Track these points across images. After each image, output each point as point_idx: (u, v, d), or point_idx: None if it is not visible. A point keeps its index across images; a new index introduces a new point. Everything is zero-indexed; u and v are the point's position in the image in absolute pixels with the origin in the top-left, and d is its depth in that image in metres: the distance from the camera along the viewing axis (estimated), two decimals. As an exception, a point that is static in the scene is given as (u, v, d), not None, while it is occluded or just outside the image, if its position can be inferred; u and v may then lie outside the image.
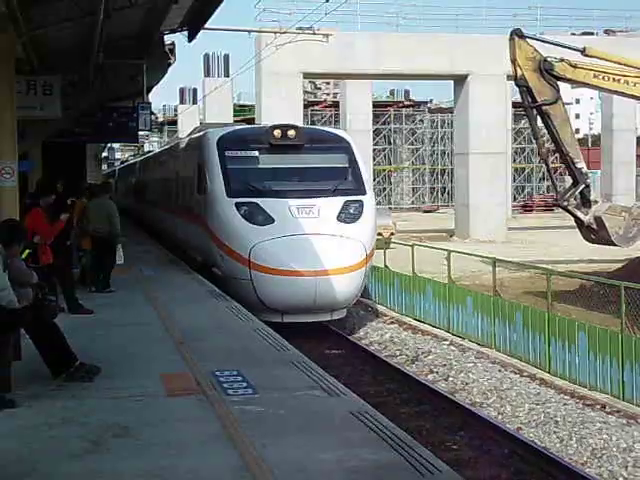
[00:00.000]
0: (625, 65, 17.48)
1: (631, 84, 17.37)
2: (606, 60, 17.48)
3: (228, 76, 53.62)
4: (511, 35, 17.21)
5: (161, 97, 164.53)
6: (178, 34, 16.57)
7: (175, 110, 67.29)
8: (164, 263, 17.54)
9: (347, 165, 15.56)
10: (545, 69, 16.89)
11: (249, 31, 27.57)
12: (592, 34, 37.85)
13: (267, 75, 32.03)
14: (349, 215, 14.43)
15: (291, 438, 5.78)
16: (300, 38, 26.77)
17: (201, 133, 17.66)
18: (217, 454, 5.47)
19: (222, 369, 7.70)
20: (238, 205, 14.28)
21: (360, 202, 14.77)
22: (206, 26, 15.92)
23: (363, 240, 14.17)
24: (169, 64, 19.31)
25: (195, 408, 6.56)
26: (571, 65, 17.15)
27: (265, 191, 14.64)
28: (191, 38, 16.27)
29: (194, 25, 15.60)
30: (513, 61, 17.12)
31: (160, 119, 66.19)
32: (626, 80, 17.32)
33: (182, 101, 64.95)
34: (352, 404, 6.65)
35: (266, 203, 14.23)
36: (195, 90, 63.84)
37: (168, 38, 17.55)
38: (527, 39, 17.30)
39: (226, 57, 59.60)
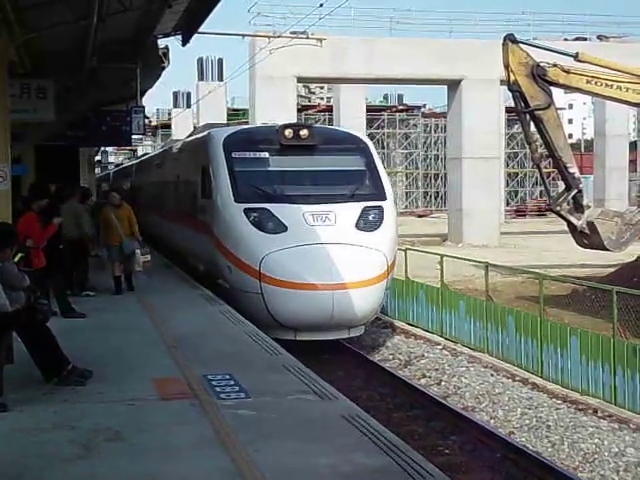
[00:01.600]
0: (618, 71, 17.51)
1: (624, 89, 17.40)
2: (599, 66, 17.51)
3: (222, 80, 53.73)
4: (504, 40, 17.23)
5: (155, 101, 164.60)
6: (172, 38, 16.57)
7: (169, 114, 67.33)
8: (157, 267, 17.51)
9: (365, 168, 14.46)
10: (538, 74, 16.91)
11: (243, 35, 27.60)
12: (585, 40, 37.94)
13: (261, 79, 32.08)
14: (368, 222, 13.31)
15: (283, 442, 5.79)
16: (294, 42, 26.77)
17: (205, 133, 16.39)
18: (209, 458, 5.47)
19: (215, 373, 7.71)
20: (247, 211, 13.16)
21: (380, 208, 13.61)
22: (200, 30, 15.92)
23: (384, 250, 13.05)
24: (163, 68, 19.29)
25: (187, 412, 6.56)
26: (564, 70, 17.18)
27: (276, 196, 13.52)
28: (185, 42, 16.25)
29: (188, 29, 15.59)
30: (506, 66, 17.14)
31: (154, 123, 66.23)
32: (619, 86, 17.35)
33: (176, 105, 65.02)
34: (344, 408, 6.66)
35: (278, 209, 13.11)
36: (189, 94, 63.99)
37: (162, 42, 17.54)
38: (520, 44, 17.32)
39: (220, 61, 59.78)
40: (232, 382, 7.42)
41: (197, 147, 16.54)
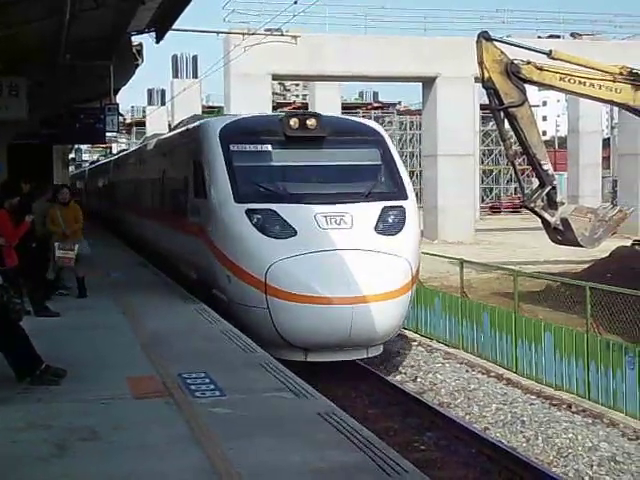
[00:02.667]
0: (591, 68, 17.66)
1: (596, 87, 17.56)
2: (572, 63, 17.65)
3: (197, 77, 53.57)
4: (478, 38, 17.33)
5: (129, 98, 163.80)
6: (146, 35, 16.51)
7: (143, 111, 67.07)
8: (132, 266, 17.43)
9: (382, 162, 12.77)
10: (512, 72, 17.02)
11: (217, 32, 27.53)
12: (559, 37, 38.20)
13: (236, 76, 31.99)
14: (389, 225, 11.74)
15: (259, 440, 5.78)
16: (269, 40, 26.77)
17: (197, 123, 14.59)
18: (184, 456, 5.46)
19: (190, 371, 7.67)
20: (250, 212, 11.52)
21: (401, 208, 12.00)
22: (174, 27, 15.88)
23: (408, 256, 11.45)
24: (137, 65, 19.22)
25: (162, 411, 6.53)
26: (537, 68, 17.30)
27: (283, 195, 11.89)
28: (159, 39, 16.19)
29: (162, 26, 15.54)
30: (480, 63, 17.24)
31: (128, 120, 65.93)
32: (592, 83, 17.50)
33: (150, 102, 64.78)
34: (320, 405, 6.66)
35: (285, 210, 11.50)
36: (163, 91, 63.76)
37: (136, 39, 17.50)
38: (494, 42, 17.43)
39: (195, 58, 59.67)
40: (207, 380, 7.39)
41: (188, 140, 14.78)
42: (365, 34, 34.75)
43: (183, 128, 16.25)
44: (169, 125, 45.13)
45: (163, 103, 60.89)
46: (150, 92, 66.27)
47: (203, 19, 34.05)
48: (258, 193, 11.98)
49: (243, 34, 27.12)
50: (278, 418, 6.35)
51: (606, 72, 17.48)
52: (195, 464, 5.28)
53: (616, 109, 38.60)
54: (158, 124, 51.71)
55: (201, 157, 12.92)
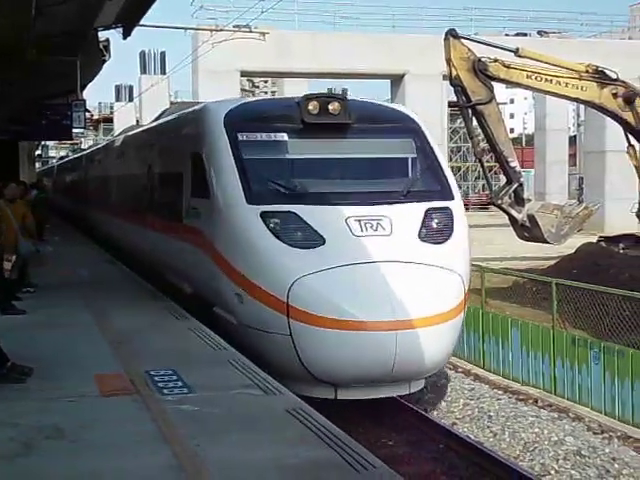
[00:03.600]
0: (557, 66, 17.80)
1: (563, 84, 17.69)
2: (539, 61, 17.77)
3: (165, 73, 53.28)
4: (446, 35, 17.39)
5: (97, 94, 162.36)
6: (113, 31, 16.38)
7: (111, 108, 66.65)
8: (99, 263, 17.31)
9: (420, 155, 10.82)
10: (479, 69, 17.10)
11: (185, 29, 27.40)
12: (525, 35, 38.53)
13: (204, 73, 31.93)
14: (435, 231, 9.76)
15: (227, 437, 5.78)
16: (237, 36, 26.69)
17: (196, 108, 12.33)
18: (152, 454, 5.44)
19: (157, 369, 7.64)
20: (266, 216, 9.46)
21: (447, 211, 10.05)
22: (141, 23, 15.77)
23: (459, 269, 9.48)
24: (104, 61, 19.08)
25: (130, 408, 6.51)
26: (504, 65, 17.40)
27: (305, 194, 9.84)
28: (126, 35, 16.08)
29: (129, 22, 15.43)
30: (448, 61, 17.30)
31: (96, 117, 65.51)
32: (558, 81, 17.64)
33: (118, 99, 64.41)
34: (288, 402, 6.66)
35: (309, 212, 9.47)
36: (131, 87, 63.44)
37: (103, 35, 17.36)
38: (462, 39, 17.50)
39: (163, 54, 59.42)
40: (175, 377, 7.36)
41: (183, 128, 12.83)
42: (334, 31, 34.80)
43: (175, 115, 14.08)
44: (137, 121, 44.76)
45: (131, 99, 60.53)
46: (118, 88, 65.95)
47: (171, 15, 33.91)
48: (275, 192, 9.90)
49: (211, 30, 27.01)
50: (246, 415, 6.34)
51: (572, 70, 17.62)
52: (163, 462, 5.27)
53: (582, 107, 38.97)
54: (126, 120, 51.37)
55: (201, 148, 10.90)
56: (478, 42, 18.23)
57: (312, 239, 9.21)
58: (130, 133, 19.93)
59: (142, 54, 59.24)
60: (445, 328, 8.99)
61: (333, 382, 8.92)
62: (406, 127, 11.10)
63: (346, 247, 9.17)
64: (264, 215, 9.47)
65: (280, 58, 32.29)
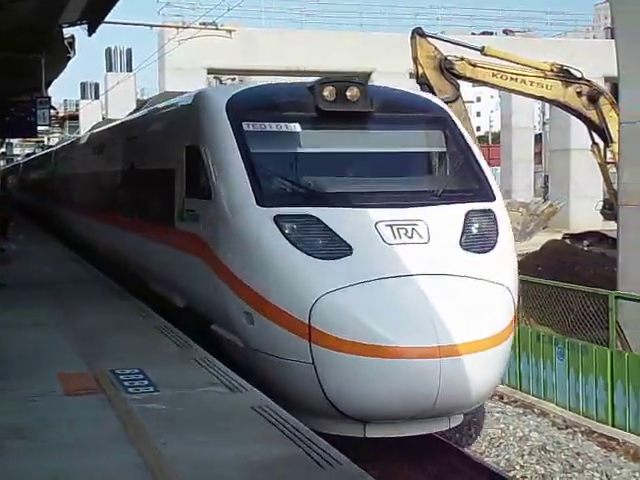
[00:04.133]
0: (523, 65, 17.95)
1: (528, 83, 17.84)
2: (504, 59, 17.92)
3: (131, 71, 52.89)
4: (412, 34, 17.48)
5: (62, 92, 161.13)
6: (78, 27, 16.28)
7: (76, 105, 66.03)
8: (65, 262, 17.16)
9: (454, 149, 9.40)
10: (445, 67, 17.20)
11: (151, 26, 27.25)
12: (491, 34, 38.80)
13: (170, 70, 31.79)
14: (478, 237, 8.43)
15: (192, 435, 5.76)
16: (203, 33, 26.61)
17: (191, 94, 10.72)
18: (117, 453, 5.41)
19: (123, 367, 7.60)
20: (280, 220, 8.04)
21: (490, 213, 8.69)
22: (107, 20, 15.70)
23: (509, 283, 8.18)
24: (69, 58, 18.94)
25: (94, 407, 6.46)
26: (471, 64, 17.52)
27: (327, 195, 8.46)
28: (91, 32, 16.00)
29: (94, 18, 15.35)
30: (415, 59, 17.38)
31: (61, 114, 64.93)
32: (524, 79, 17.79)
33: (84, 96, 63.79)
34: (253, 399, 6.66)
35: (332, 216, 8.09)
36: (97, 85, 62.79)
37: (68, 32, 17.23)
38: (428, 38, 17.60)
39: (129, 52, 58.83)
40: (141, 376, 7.33)
41: (173, 118, 11.42)
42: (301, 28, 34.81)
43: (163, 104, 12.51)
44: (103, 119, 44.47)
45: (97, 97, 60.02)
46: (83, 85, 65.26)
47: (137, 12, 33.72)
48: (290, 191, 8.58)
49: (177, 28, 26.94)
50: (212, 413, 6.33)
51: (537, 69, 17.78)
52: (127, 461, 5.24)
53: (548, 105, 39.31)
54: (92, 118, 50.96)
55: (199, 141, 9.40)
56: (444, 41, 18.33)
57: (337, 248, 7.83)
58: (108, 126, 18.14)
59: (108, 51, 58.71)
60: (495, 353, 7.66)
61: (362, 418, 7.59)
62: (435, 116, 9.72)
63: (378, 257, 7.82)
64: (278, 219, 8.05)
65: (247, 56, 32.24)
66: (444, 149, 9.43)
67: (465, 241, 8.23)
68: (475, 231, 8.42)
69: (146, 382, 7.15)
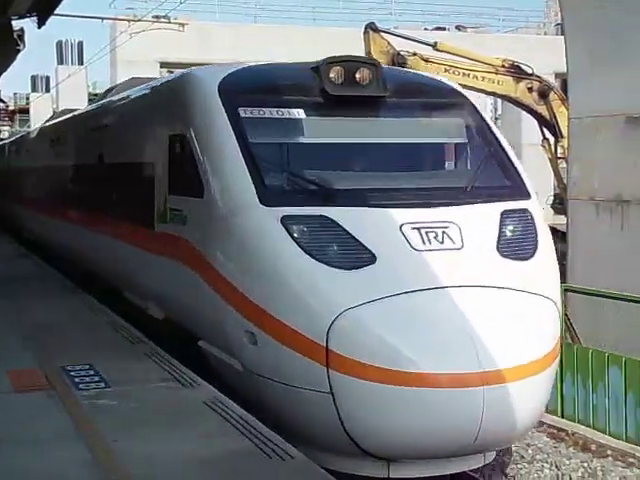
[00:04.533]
0: (474, 60, 18.12)
1: (480, 78, 18.02)
2: (456, 55, 18.08)
3: (82, 64, 52.33)
4: (366, 29, 17.56)
5: (12, 85, 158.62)
6: (28, 20, 16.03)
7: (27, 98, 65.10)
8: (14, 258, 16.95)
9: (480, 140, 8.23)
10: (398, 63, 17.28)
11: (102, 18, 26.96)
12: (444, 29, 39.05)
13: (122, 64, 31.47)
14: (517, 242, 7.26)
15: (144, 430, 5.74)
16: (156, 27, 26.41)
17: (176, 75, 9.67)
18: (67, 450, 5.37)
19: (74, 363, 7.54)
20: (289, 222, 6.78)
21: (527, 214, 7.56)
22: (57, 12, 15.46)
23: (554, 295, 7.06)
24: (18, 51, 18.62)
25: (44, 404, 6.41)
26: (423, 59, 17.63)
27: (341, 192, 7.14)
28: (41, 24, 15.73)
29: (44, 10, 15.11)
30: (368, 54, 17.42)
31: (11, 108, 64.00)
32: (475, 75, 17.96)
33: (34, 89, 62.97)
34: (206, 394, 6.65)
35: (350, 218, 6.86)
36: (48, 78, 61.99)
37: (17, 24, 16.96)
38: (381, 33, 17.69)
39: (80, 44, 58.21)
40: (92, 372, 7.28)
41: (152, 104, 10.10)
42: (255, 23, 34.73)
43: (143, 86, 11.08)
44: (54, 112, 43.93)
45: (47, 90, 59.25)
46: (34, 79, 64.40)
47: (88, 4, 33.39)
48: (298, 188, 7.26)
49: (129, 21, 26.69)
50: (164, 408, 6.32)
51: (489, 64, 17.98)
52: (78, 457, 5.22)
53: (500, 101, 39.72)
54: (43, 112, 50.31)
55: (187, 129, 8.10)
56: (397, 36, 18.45)
57: (357, 255, 6.60)
58: (72, 114, 16.80)
59: (59, 44, 58.01)
60: (543, 379, 6.54)
61: (389, 457, 6.37)
62: (457, 103, 8.48)
63: (406, 267, 6.62)
64: (286, 221, 6.78)
65: (200, 49, 32.05)
66: (470, 140, 8.30)
67: (503, 246, 7.07)
68: (513, 235, 7.27)
69: (97, 378, 7.11)
